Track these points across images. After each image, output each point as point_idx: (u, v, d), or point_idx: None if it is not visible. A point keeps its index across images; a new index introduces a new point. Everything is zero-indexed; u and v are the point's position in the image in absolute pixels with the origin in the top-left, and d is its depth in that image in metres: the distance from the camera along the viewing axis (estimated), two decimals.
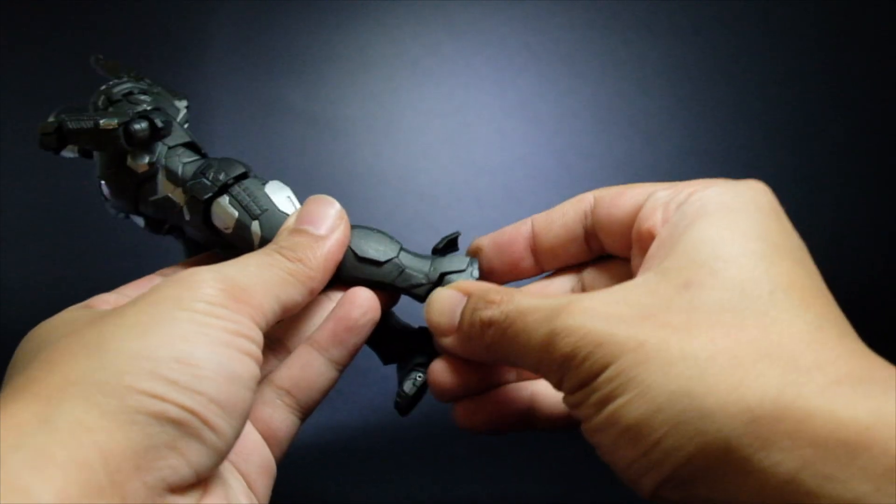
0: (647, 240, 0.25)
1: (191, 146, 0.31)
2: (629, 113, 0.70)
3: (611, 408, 0.20)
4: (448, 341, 0.26)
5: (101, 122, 0.28)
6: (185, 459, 0.20)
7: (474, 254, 0.31)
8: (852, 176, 0.69)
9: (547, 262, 0.30)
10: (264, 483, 0.26)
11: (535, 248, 0.30)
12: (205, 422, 0.20)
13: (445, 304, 0.27)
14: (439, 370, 0.29)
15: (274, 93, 0.70)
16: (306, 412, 0.29)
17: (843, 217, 0.68)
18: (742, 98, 0.70)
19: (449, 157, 0.70)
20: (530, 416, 0.30)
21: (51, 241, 0.68)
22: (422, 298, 0.30)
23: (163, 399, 0.19)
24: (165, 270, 0.30)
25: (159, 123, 0.29)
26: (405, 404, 0.29)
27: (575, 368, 0.21)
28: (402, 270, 0.29)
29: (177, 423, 0.20)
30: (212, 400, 0.20)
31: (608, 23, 0.71)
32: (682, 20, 0.71)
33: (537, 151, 0.70)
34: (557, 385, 0.23)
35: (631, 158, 0.69)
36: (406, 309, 0.32)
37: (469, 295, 0.26)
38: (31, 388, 0.19)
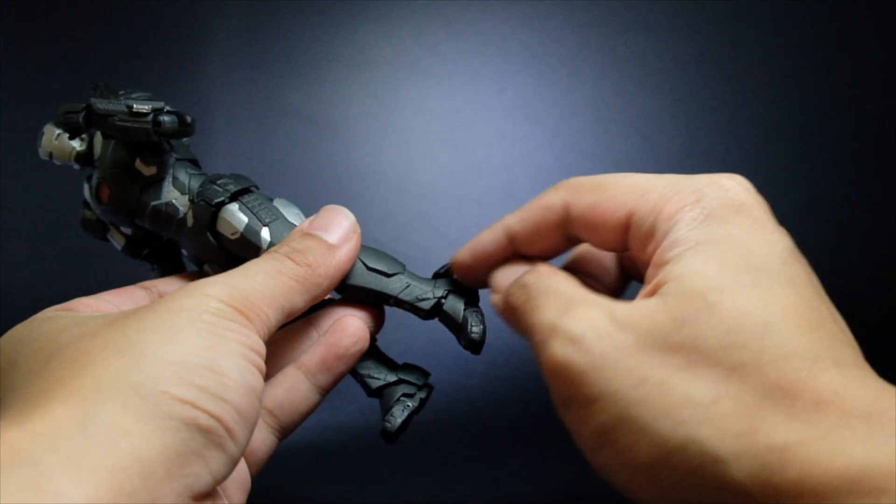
0: (646, 264, 0.24)
1: (195, 164, 0.32)
2: (629, 113, 0.70)
3: (615, 448, 0.20)
4: (495, 297, 0.27)
5: (135, 105, 0.28)
6: (208, 468, 0.20)
7: (457, 271, 0.30)
8: (852, 176, 0.69)
9: (530, 255, 0.30)
10: (240, 499, 0.26)
11: (516, 250, 0.29)
12: (228, 430, 0.20)
13: (512, 268, 0.28)
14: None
15: (274, 93, 0.70)
16: (286, 433, 0.29)
17: (843, 217, 0.68)
18: (742, 98, 0.70)
19: (449, 157, 0.70)
20: None
21: (50, 242, 0.68)
22: (425, 314, 0.30)
23: (194, 405, 0.20)
24: (146, 283, 0.30)
25: (188, 119, 0.29)
26: (395, 431, 0.29)
27: (565, 382, 0.21)
28: (408, 284, 0.29)
29: (205, 431, 0.20)
30: (235, 409, 0.21)
31: (608, 23, 0.71)
32: (682, 20, 0.71)
33: (537, 151, 0.70)
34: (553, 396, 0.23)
35: (631, 158, 0.69)
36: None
37: (535, 266, 0.27)
38: (62, 388, 0.19)
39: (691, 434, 0.19)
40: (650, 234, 0.23)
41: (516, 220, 0.28)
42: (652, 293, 0.22)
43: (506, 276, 0.27)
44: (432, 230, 0.66)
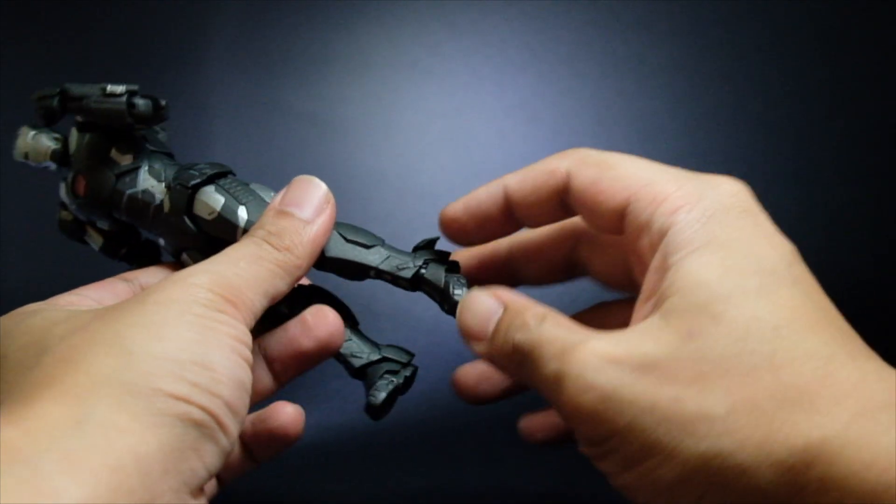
0: (641, 256, 0.24)
1: (171, 157, 0.32)
2: (629, 113, 0.70)
3: (639, 470, 0.20)
4: (480, 348, 0.25)
5: (108, 87, 0.28)
6: (202, 462, 0.20)
7: (447, 226, 0.30)
8: (852, 176, 0.69)
9: (525, 221, 0.29)
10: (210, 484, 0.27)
11: (511, 213, 0.29)
12: (220, 424, 0.20)
13: (481, 310, 0.25)
14: (466, 374, 0.30)
15: (274, 93, 0.70)
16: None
17: (843, 217, 0.68)
18: (742, 98, 0.70)
19: (449, 157, 0.70)
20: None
21: (50, 242, 0.68)
22: (407, 283, 0.29)
23: (187, 401, 0.20)
24: (127, 275, 0.30)
25: (162, 103, 0.29)
26: (379, 405, 0.28)
27: (583, 423, 0.21)
28: (387, 255, 0.29)
29: (198, 425, 0.20)
30: (226, 403, 0.21)
31: (608, 23, 0.71)
32: (682, 20, 0.71)
33: (537, 151, 0.69)
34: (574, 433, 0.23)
35: None
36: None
37: (506, 307, 0.25)
38: (56, 386, 0.19)
39: (712, 448, 0.19)
40: (646, 225, 0.23)
41: (516, 180, 0.28)
42: (654, 307, 0.22)
43: (479, 320, 0.25)
44: (432, 230, 0.66)
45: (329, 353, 0.29)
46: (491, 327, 0.25)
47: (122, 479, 0.18)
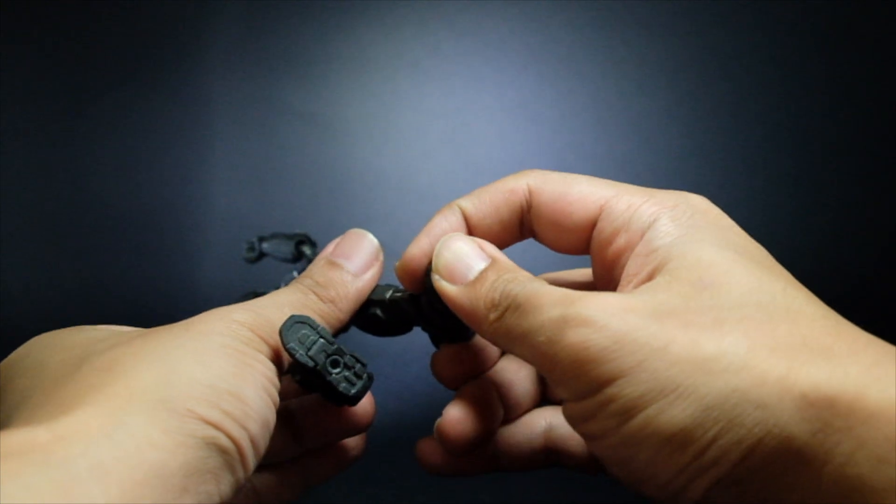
0: (612, 261, 0.24)
1: None
2: (629, 113, 0.70)
3: (643, 417, 0.19)
4: (453, 290, 0.24)
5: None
6: (218, 488, 0.20)
7: (403, 271, 0.28)
8: (851, 176, 0.69)
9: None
10: None
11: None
12: (242, 456, 0.21)
13: (463, 254, 0.24)
14: (453, 419, 0.28)
15: (274, 93, 0.70)
16: None
17: (843, 217, 0.68)
18: (742, 98, 0.70)
19: (449, 157, 0.70)
20: (496, 457, 0.30)
21: (51, 243, 0.68)
22: (405, 293, 0.28)
23: (217, 427, 0.20)
24: None
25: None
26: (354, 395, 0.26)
27: (585, 367, 0.20)
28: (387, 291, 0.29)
29: (223, 452, 0.20)
30: (251, 437, 0.21)
31: (608, 23, 0.71)
32: (682, 20, 0.71)
33: (537, 151, 0.70)
34: (561, 389, 0.21)
35: (631, 158, 0.69)
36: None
37: (494, 260, 0.24)
38: (94, 394, 0.20)
39: (730, 384, 0.18)
40: (623, 227, 0.23)
41: (473, 202, 0.26)
42: (649, 278, 0.22)
43: (461, 264, 0.24)
44: None
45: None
46: (473, 274, 0.24)
47: (144, 492, 0.18)
